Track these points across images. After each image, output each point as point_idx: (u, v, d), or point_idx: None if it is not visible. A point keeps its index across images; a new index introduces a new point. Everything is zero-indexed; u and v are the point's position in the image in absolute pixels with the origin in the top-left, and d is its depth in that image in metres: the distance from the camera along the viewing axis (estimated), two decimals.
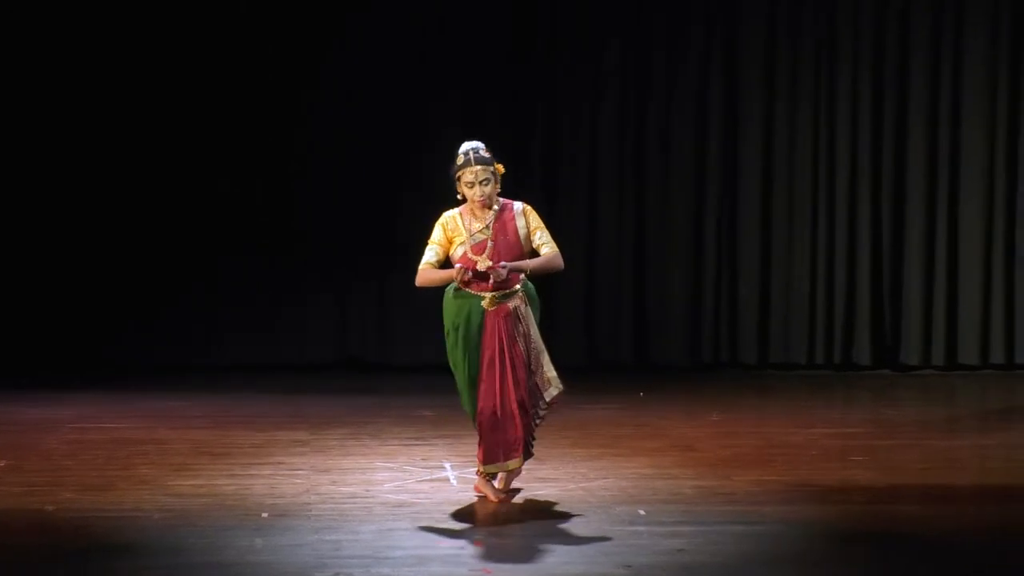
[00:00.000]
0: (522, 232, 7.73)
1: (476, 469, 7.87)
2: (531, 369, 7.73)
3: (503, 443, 7.67)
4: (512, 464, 7.73)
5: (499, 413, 7.63)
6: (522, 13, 13.38)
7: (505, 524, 7.34)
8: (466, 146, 7.72)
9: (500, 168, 7.74)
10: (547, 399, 7.77)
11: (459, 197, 7.76)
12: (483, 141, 7.81)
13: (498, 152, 7.80)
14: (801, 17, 13.42)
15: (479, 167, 7.65)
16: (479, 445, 7.75)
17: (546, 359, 7.79)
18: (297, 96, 13.27)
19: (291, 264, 13.31)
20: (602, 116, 13.45)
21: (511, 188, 7.97)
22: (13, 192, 13.08)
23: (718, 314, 13.56)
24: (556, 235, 7.86)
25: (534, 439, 7.86)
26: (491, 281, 7.59)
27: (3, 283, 13.06)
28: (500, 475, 7.80)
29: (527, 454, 7.80)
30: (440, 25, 13.31)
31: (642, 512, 7.50)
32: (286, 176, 13.30)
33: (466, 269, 7.58)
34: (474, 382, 7.68)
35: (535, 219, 7.79)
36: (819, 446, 9.58)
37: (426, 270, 7.73)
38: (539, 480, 8.22)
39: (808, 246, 13.55)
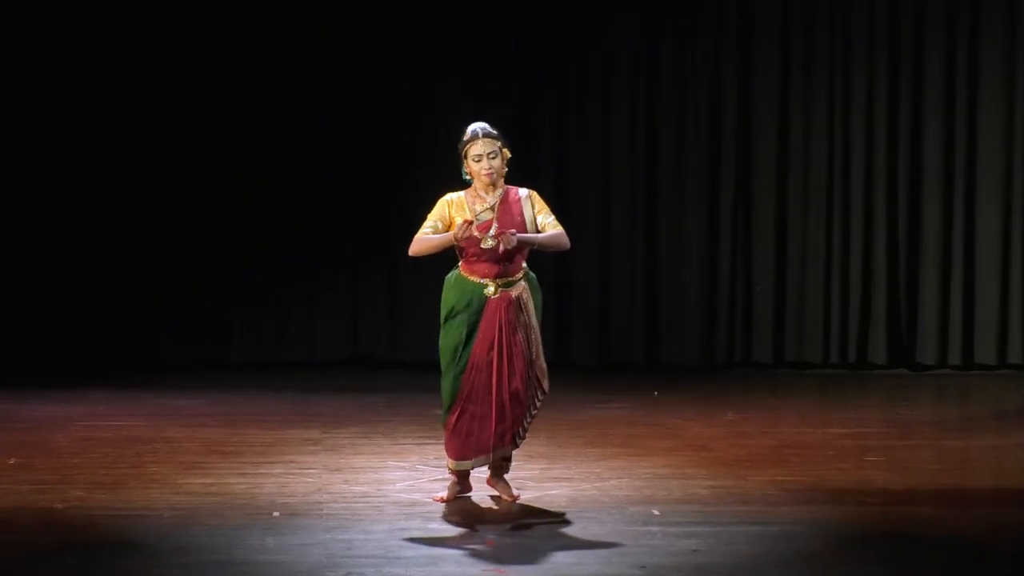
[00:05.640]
0: (528, 216, 7.62)
1: (448, 466, 7.68)
2: (531, 359, 7.65)
3: (498, 432, 7.54)
4: (504, 453, 7.61)
5: (493, 403, 7.54)
6: (531, 6, 13.35)
7: (518, 524, 7.30)
8: (474, 124, 7.63)
9: (507, 152, 7.65)
10: (545, 389, 7.70)
11: (465, 176, 7.66)
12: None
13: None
14: (815, 14, 13.37)
15: (487, 139, 7.57)
16: (455, 439, 7.59)
17: (542, 350, 7.72)
18: (305, 93, 13.22)
19: (301, 261, 13.26)
20: (614, 113, 13.39)
21: (523, 184, 7.90)
22: (25, 191, 13.04)
23: (732, 313, 13.49)
24: (569, 233, 7.77)
25: (525, 430, 7.70)
26: (501, 248, 7.48)
27: (13, 282, 13.03)
28: (498, 469, 7.70)
29: (514, 444, 7.67)
30: (449, 20, 13.25)
31: (656, 512, 7.46)
32: (295, 174, 13.26)
33: (469, 224, 7.42)
34: (462, 371, 7.58)
35: (540, 203, 7.68)
36: (834, 446, 9.53)
37: (422, 238, 7.59)
38: (553, 480, 8.18)
39: (823, 244, 13.48)
